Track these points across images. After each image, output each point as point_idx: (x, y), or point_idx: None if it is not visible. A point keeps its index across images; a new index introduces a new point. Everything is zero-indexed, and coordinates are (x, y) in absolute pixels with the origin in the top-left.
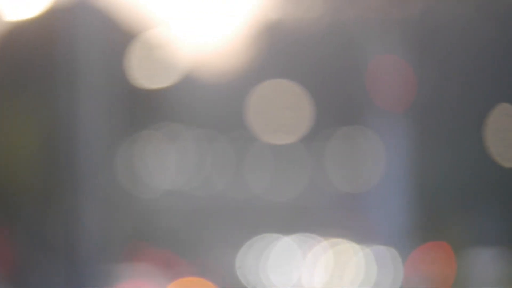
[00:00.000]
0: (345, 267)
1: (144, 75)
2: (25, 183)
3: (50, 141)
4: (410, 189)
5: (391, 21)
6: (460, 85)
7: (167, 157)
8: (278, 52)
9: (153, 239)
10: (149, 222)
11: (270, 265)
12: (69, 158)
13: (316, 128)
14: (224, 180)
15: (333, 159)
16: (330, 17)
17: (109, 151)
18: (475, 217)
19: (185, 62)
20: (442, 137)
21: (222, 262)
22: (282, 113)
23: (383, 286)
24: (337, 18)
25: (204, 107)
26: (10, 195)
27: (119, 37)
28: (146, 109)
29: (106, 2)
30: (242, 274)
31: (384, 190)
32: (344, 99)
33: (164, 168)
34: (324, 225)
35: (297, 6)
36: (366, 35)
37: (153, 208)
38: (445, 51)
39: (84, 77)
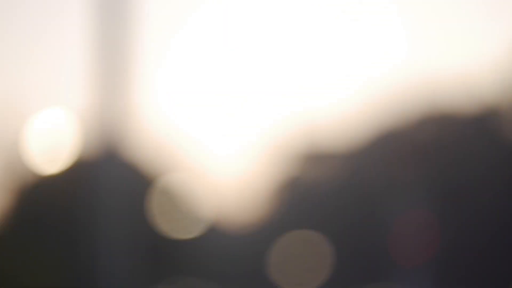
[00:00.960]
0: None
1: (167, 225)
2: None
3: None
4: None
5: (411, 178)
6: (482, 237)
7: None
8: (300, 208)
9: None
10: None
11: None
12: None
13: (339, 284)
14: None
15: None
16: (351, 175)
17: None
18: None
19: (209, 213)
20: None
21: None
22: (303, 265)
23: None
24: (358, 175)
25: (225, 260)
26: None
27: (143, 187)
28: (169, 259)
29: (129, 153)
30: None
31: None
32: (366, 253)
33: None
34: None
35: (318, 164)
36: (387, 192)
37: None
38: (467, 205)
39: (107, 227)
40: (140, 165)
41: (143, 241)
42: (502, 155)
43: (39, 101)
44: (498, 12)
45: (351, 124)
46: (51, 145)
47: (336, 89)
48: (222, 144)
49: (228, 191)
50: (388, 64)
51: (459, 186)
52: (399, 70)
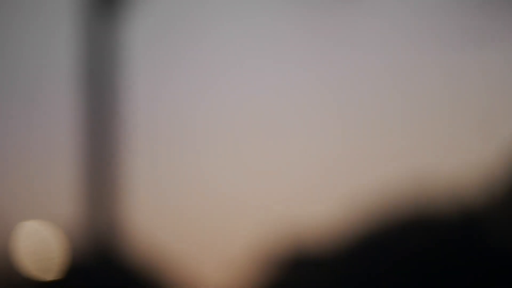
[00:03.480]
0: None
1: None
2: None
3: None
4: None
5: (397, 285)
6: None
7: None
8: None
9: None
10: None
11: None
12: None
13: None
14: None
15: None
16: (337, 281)
17: None
18: None
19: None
20: None
21: None
22: None
23: None
24: (345, 282)
25: None
26: None
27: None
28: None
29: (121, 262)
30: None
31: None
32: None
33: None
34: None
35: (304, 270)
36: None
37: None
38: None
39: None
40: (129, 277)
41: None
42: (485, 264)
43: (25, 212)
44: (491, 117)
45: (338, 229)
46: (40, 255)
47: (322, 194)
48: (206, 253)
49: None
50: (372, 169)
51: None
52: (385, 176)
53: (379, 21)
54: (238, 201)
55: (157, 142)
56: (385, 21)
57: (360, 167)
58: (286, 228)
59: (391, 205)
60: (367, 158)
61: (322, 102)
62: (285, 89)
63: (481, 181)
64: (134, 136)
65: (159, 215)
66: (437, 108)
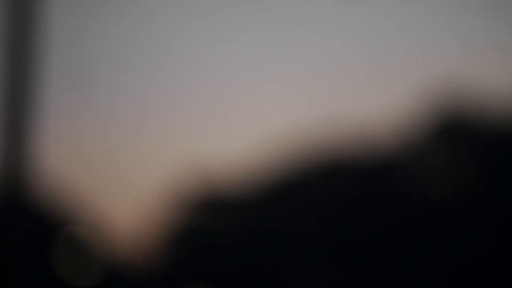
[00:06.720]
0: None
1: (70, 272)
2: None
3: None
4: None
5: (311, 229)
6: None
7: None
8: (198, 258)
9: None
10: None
11: None
12: None
13: None
14: None
15: None
16: (252, 224)
17: None
18: None
19: (104, 262)
20: None
21: None
22: None
23: None
24: (259, 226)
25: None
26: None
27: (45, 236)
28: None
29: (31, 202)
30: None
31: None
32: None
33: None
34: None
35: (218, 213)
36: (290, 243)
37: None
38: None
39: (10, 274)
40: (41, 214)
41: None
42: (398, 207)
43: None
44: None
45: (251, 169)
46: None
47: (236, 134)
48: (117, 192)
49: (124, 240)
50: (286, 110)
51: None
52: (299, 118)
53: None
54: (149, 141)
55: (72, 80)
56: None
57: (274, 109)
58: (198, 167)
59: (304, 147)
60: (281, 99)
61: (239, 43)
62: (209, 30)
63: (394, 125)
64: (47, 76)
65: (70, 154)
66: (354, 52)
